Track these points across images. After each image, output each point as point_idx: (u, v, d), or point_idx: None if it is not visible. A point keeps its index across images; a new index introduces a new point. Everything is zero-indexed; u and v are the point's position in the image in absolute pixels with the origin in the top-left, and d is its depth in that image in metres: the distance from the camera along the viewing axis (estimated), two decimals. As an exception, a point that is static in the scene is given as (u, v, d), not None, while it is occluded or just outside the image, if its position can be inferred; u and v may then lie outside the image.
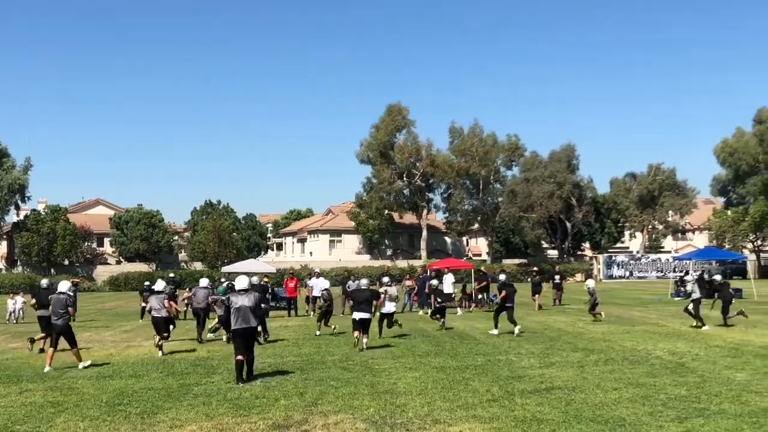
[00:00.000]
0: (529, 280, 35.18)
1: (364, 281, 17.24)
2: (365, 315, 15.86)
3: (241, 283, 12.62)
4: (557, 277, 30.73)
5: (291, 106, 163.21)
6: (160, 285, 16.88)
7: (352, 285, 24.39)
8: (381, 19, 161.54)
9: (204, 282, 19.83)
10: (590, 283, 22.79)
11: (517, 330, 18.18)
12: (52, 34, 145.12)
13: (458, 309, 26.20)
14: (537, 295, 28.08)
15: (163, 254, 73.28)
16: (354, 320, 16.03)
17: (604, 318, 22.14)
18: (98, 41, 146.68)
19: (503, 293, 18.81)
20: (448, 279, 26.71)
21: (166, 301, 16.19)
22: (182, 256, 79.45)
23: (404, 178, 69.33)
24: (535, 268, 34.37)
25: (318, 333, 19.01)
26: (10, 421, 9.57)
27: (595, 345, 16.11)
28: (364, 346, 15.60)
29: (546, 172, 65.90)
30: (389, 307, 18.12)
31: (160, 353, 15.70)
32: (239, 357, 12.02)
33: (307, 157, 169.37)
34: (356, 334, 15.91)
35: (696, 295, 19.89)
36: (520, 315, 24.91)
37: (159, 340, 15.98)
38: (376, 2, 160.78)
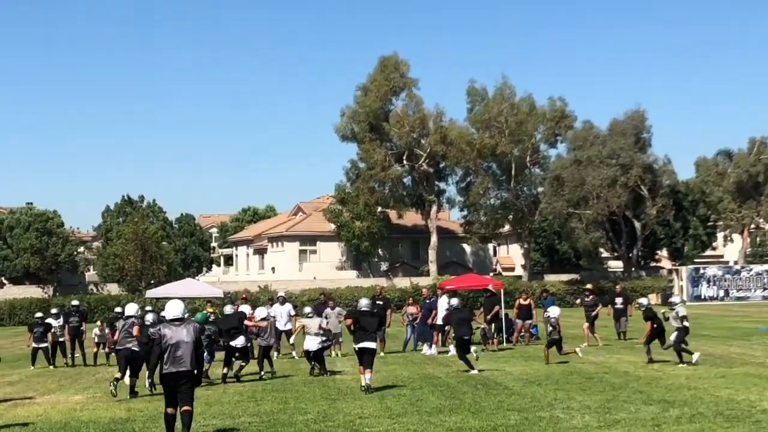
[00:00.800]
0: (578, 302, 35.10)
1: (364, 301, 19.10)
2: (371, 344, 17.84)
3: (173, 309, 12.75)
4: (619, 300, 30.64)
5: (240, 62, 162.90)
6: (132, 309, 19.01)
7: (330, 313, 25.55)
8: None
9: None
10: (553, 311, 23.13)
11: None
12: None
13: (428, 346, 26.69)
14: (590, 325, 28.25)
15: (64, 273, 73.05)
16: (356, 350, 17.80)
17: (582, 356, 22.61)
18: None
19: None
20: (443, 303, 26.88)
21: (135, 328, 18.09)
22: (90, 275, 79.28)
23: (404, 162, 69.42)
24: (589, 286, 34.35)
25: (262, 374, 20.78)
26: None
27: (676, 395, 16.20)
28: (367, 383, 17.40)
29: (605, 151, 66.06)
30: (311, 343, 20.75)
31: (112, 388, 17.48)
32: (170, 410, 12.07)
33: (266, 134, 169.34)
34: (364, 377, 17.39)
35: (685, 323, 21.17)
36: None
37: (118, 380, 17.68)
38: None
